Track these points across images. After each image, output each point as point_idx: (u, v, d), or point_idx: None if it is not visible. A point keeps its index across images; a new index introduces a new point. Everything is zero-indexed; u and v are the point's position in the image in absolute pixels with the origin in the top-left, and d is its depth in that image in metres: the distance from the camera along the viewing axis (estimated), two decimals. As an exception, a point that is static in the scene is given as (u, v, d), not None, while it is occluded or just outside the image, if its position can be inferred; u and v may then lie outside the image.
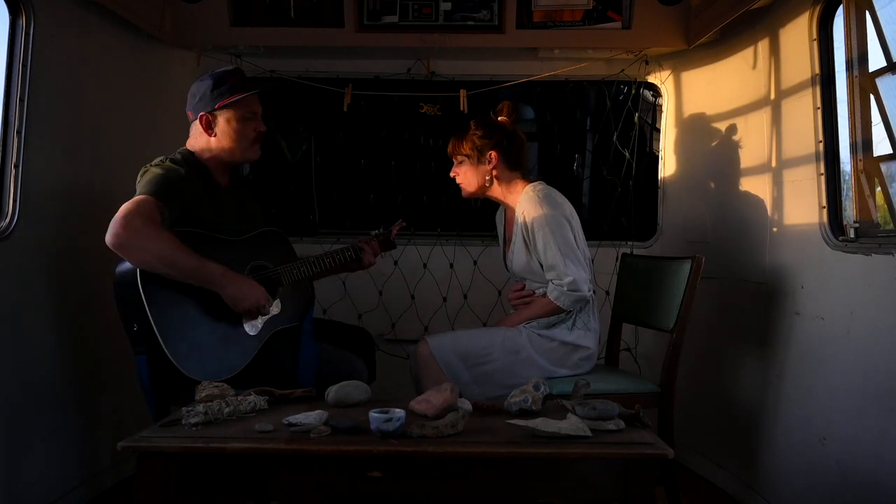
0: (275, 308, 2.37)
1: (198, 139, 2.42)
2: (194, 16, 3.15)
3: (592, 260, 3.38)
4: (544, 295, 2.59)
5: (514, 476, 1.75)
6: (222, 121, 2.39)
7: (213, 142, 2.40)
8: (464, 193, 2.74)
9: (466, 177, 2.70)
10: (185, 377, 2.12)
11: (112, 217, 2.12)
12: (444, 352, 2.50)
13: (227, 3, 3.18)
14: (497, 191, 2.70)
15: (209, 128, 2.39)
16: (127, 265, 2.17)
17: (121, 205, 2.16)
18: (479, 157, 2.65)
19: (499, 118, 2.73)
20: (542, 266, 2.58)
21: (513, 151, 2.67)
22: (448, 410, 1.90)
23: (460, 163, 2.70)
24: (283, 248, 2.54)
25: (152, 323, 2.11)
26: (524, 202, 2.61)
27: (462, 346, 2.51)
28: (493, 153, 2.64)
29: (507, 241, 2.76)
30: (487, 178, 2.66)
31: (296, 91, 3.43)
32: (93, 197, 2.76)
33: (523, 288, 2.71)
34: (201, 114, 2.39)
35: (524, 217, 2.59)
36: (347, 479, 1.73)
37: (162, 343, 2.11)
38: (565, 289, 2.52)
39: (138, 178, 2.29)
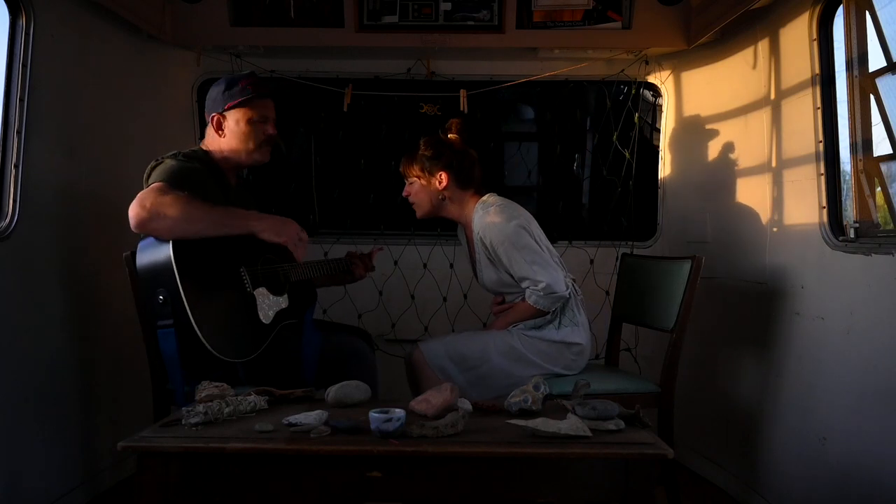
0: (283, 302, 2.39)
1: (212, 140, 2.48)
2: (194, 16, 3.15)
3: (592, 260, 3.41)
4: (524, 300, 2.57)
5: (514, 476, 1.74)
6: (231, 122, 2.44)
7: (223, 142, 2.45)
8: (417, 214, 2.69)
9: (418, 197, 2.64)
10: (203, 353, 2.09)
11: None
12: (437, 357, 2.49)
13: (227, 3, 3.17)
14: (451, 210, 2.65)
15: (219, 128, 2.44)
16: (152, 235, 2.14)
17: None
18: (429, 179, 2.61)
19: (448, 136, 2.66)
20: (513, 278, 2.56)
21: (463, 170, 2.61)
22: (448, 410, 1.90)
23: (412, 183, 2.65)
24: (288, 251, 2.56)
25: (182, 293, 2.06)
26: (477, 220, 2.57)
27: (455, 350, 2.50)
28: (444, 174, 2.59)
29: (472, 259, 2.73)
30: (440, 198, 2.62)
31: (296, 91, 3.43)
32: (92, 196, 2.76)
33: (503, 300, 2.68)
34: (213, 114, 2.44)
35: (481, 235, 2.56)
36: (347, 479, 1.73)
37: (190, 315, 2.06)
38: (542, 293, 2.51)
39: (148, 170, 2.29)
